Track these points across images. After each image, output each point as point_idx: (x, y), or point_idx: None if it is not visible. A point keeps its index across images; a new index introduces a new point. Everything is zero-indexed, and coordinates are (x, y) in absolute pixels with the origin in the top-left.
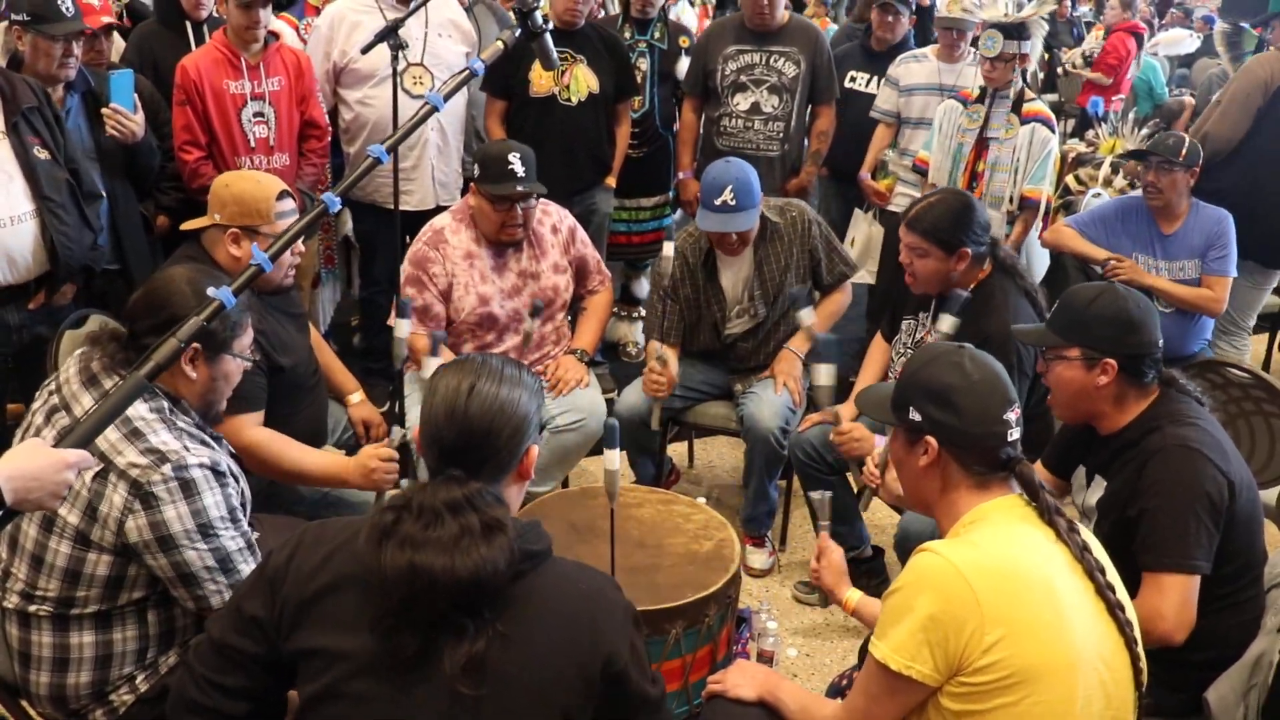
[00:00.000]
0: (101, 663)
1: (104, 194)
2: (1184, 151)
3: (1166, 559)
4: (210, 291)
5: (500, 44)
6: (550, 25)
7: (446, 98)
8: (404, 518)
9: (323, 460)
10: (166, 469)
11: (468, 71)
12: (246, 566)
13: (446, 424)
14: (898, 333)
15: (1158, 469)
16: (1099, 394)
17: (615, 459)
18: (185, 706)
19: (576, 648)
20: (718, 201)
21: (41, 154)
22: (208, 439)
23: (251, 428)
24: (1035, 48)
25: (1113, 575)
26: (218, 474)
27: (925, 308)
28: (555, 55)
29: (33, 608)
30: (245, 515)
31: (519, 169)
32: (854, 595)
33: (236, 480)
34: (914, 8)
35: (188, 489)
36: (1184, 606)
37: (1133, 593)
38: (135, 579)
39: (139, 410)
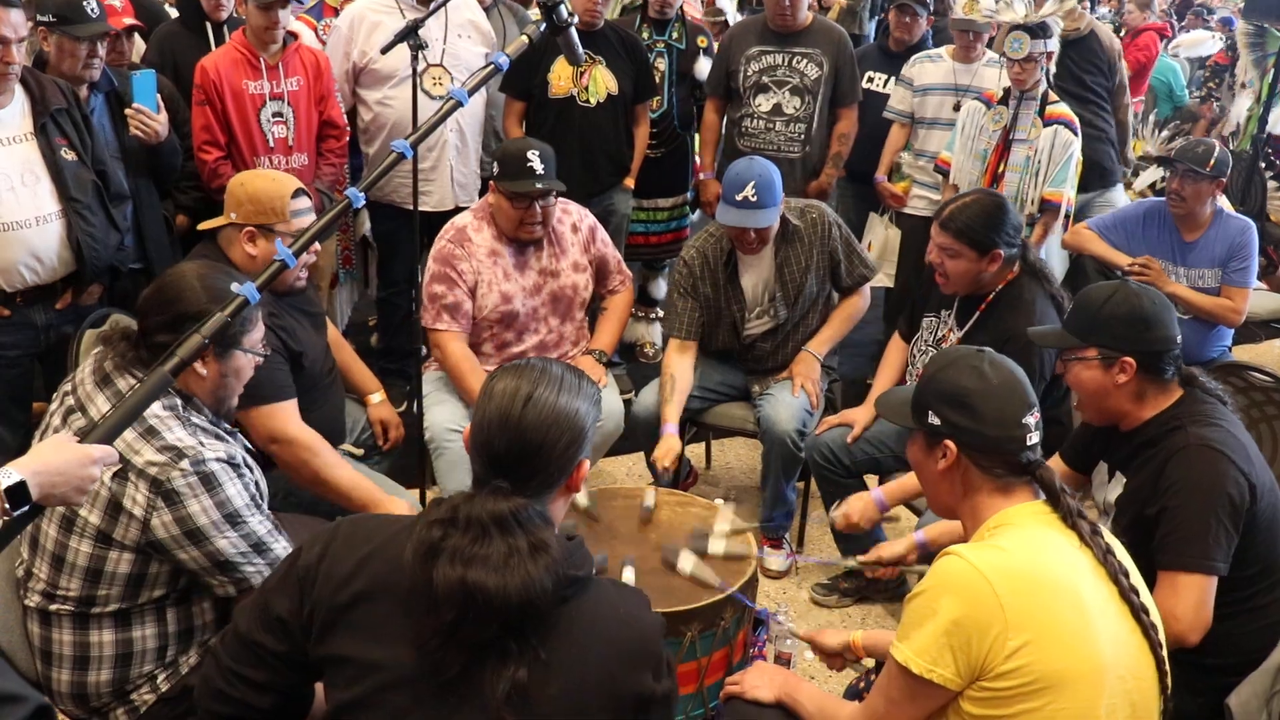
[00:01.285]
0: (122, 661)
1: (130, 195)
2: (1212, 162)
3: (1184, 559)
4: (234, 287)
5: (525, 39)
6: (575, 19)
7: (471, 92)
8: (450, 533)
9: (357, 482)
10: (185, 464)
11: (492, 66)
12: (278, 545)
13: (499, 431)
14: (917, 331)
15: (1179, 468)
16: (1120, 392)
17: (689, 565)
18: (212, 695)
19: (612, 676)
20: (739, 197)
21: (69, 155)
22: (222, 434)
23: (296, 419)
24: (1054, 45)
25: (1137, 579)
26: (234, 465)
27: (947, 306)
28: (580, 50)
29: (54, 606)
30: (263, 503)
31: (538, 166)
32: (857, 636)
33: (251, 471)
34: (932, 8)
35: (208, 482)
36: (1200, 607)
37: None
38: (156, 577)
39: (153, 408)
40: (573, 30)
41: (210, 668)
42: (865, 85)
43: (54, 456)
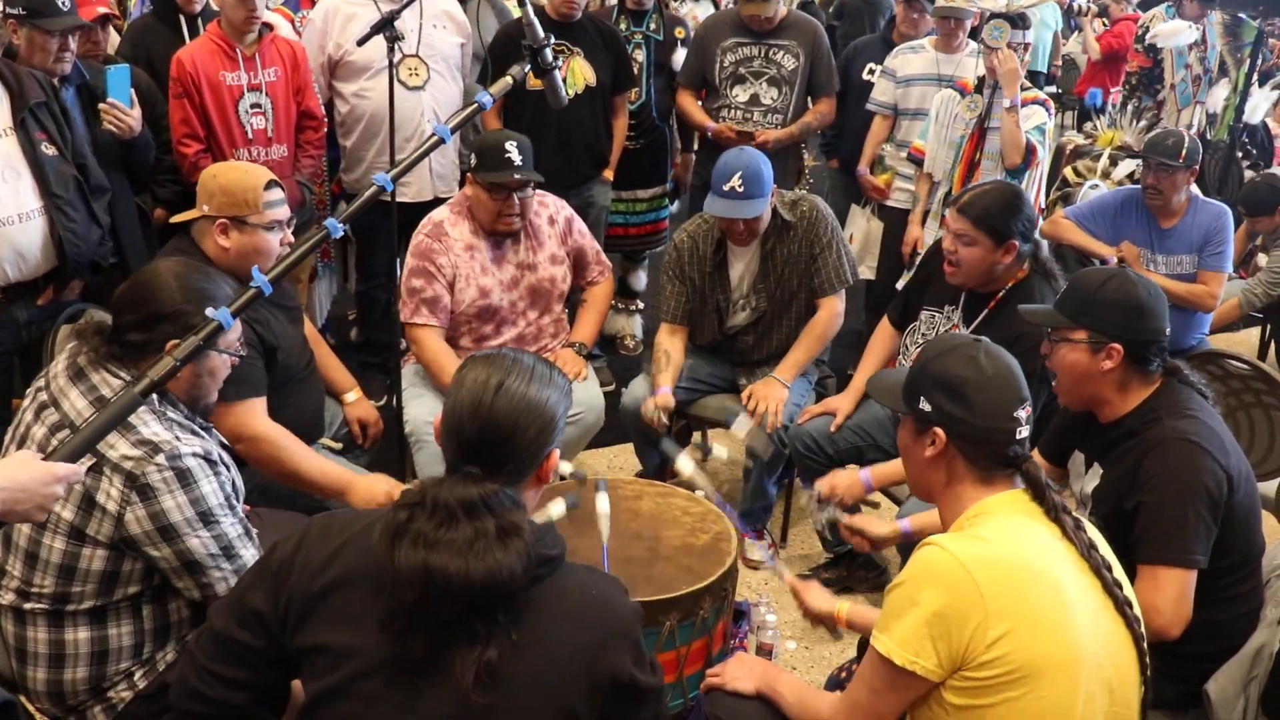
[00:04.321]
0: (98, 658)
1: (109, 188)
2: (1183, 153)
3: (1164, 553)
4: (209, 312)
5: (510, 79)
6: (560, 62)
7: (454, 130)
8: (417, 515)
9: (327, 469)
10: (160, 459)
11: (475, 105)
12: (247, 551)
13: (470, 419)
14: (914, 320)
15: (1156, 462)
16: (1103, 379)
17: (605, 504)
18: (187, 694)
19: (586, 656)
20: (726, 187)
21: (49, 150)
22: (197, 429)
23: (262, 417)
24: (1030, 37)
25: (1119, 572)
26: (210, 462)
27: (952, 301)
28: (564, 93)
29: (28, 605)
30: (238, 503)
31: (516, 157)
32: (844, 607)
33: (227, 468)
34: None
35: (183, 478)
36: (1181, 601)
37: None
38: (130, 574)
39: None
40: (556, 74)
41: (185, 667)
42: (865, 77)
43: (19, 473)
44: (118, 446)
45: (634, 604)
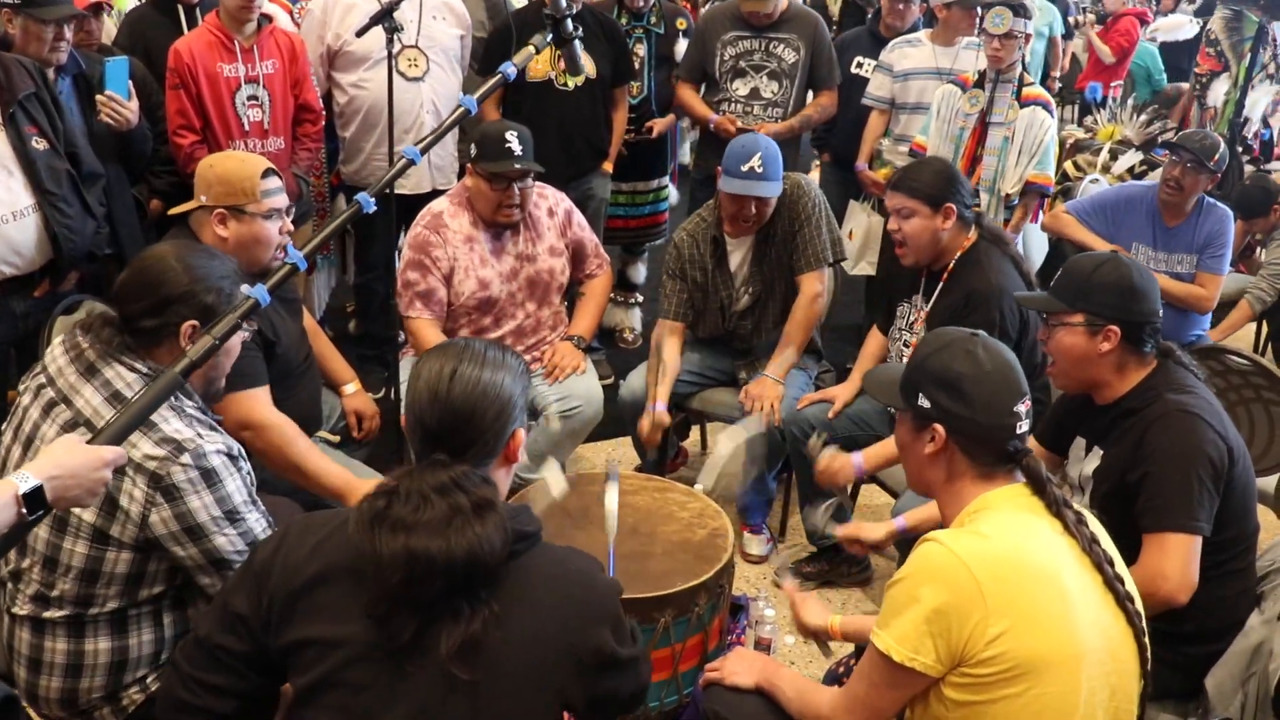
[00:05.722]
0: (116, 668)
1: (104, 173)
2: (1216, 156)
3: (1169, 519)
4: (245, 289)
5: (532, 48)
6: (580, 32)
7: (480, 100)
8: (393, 503)
9: (330, 469)
10: (185, 459)
11: (500, 75)
12: None
13: (429, 408)
14: (893, 321)
15: (1158, 435)
16: (1101, 361)
17: (614, 500)
18: (174, 706)
19: (568, 630)
20: (744, 168)
21: (40, 145)
22: (214, 424)
23: (265, 405)
24: (1032, 28)
25: (1121, 568)
26: (233, 458)
27: (916, 289)
28: (582, 62)
29: (47, 613)
30: (257, 498)
31: (516, 148)
32: (836, 620)
33: (245, 461)
34: None
35: (209, 478)
36: (1186, 567)
37: (1129, 560)
38: (155, 574)
39: None
40: (576, 44)
41: (171, 679)
42: (853, 70)
43: (67, 459)
44: (140, 445)
45: (613, 580)
